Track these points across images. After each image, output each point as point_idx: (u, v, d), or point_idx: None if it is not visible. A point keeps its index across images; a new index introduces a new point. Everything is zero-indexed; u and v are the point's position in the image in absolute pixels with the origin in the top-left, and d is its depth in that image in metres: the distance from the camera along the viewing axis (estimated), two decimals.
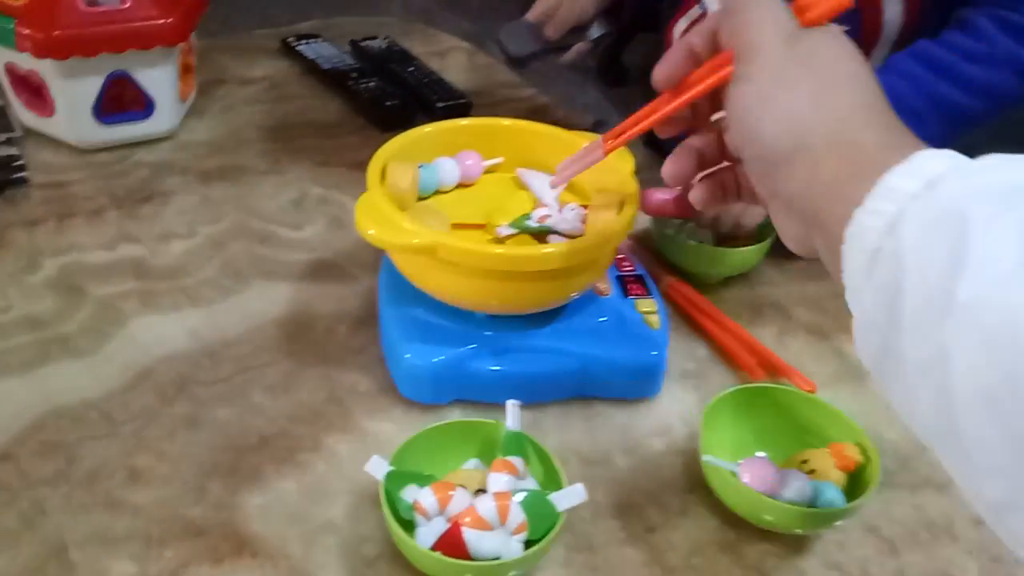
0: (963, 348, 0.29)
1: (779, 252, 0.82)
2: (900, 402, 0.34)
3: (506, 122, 0.70)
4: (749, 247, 0.75)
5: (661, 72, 0.47)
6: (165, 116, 0.89)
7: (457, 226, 0.63)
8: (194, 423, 0.60)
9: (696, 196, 0.49)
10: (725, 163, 0.49)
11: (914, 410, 0.33)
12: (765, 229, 0.76)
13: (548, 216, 0.63)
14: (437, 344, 0.62)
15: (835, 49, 0.40)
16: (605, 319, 0.66)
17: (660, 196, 0.73)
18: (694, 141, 0.48)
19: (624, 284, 0.69)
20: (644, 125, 0.50)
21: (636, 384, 0.65)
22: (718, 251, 0.76)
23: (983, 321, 0.29)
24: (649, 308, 0.66)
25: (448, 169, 0.67)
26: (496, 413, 0.62)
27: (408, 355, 0.61)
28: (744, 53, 0.41)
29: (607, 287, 0.68)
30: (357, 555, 0.53)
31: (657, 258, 0.79)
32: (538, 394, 0.63)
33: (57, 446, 0.57)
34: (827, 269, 0.40)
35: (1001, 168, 0.33)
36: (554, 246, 0.57)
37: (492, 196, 0.67)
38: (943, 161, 0.34)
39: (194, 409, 0.61)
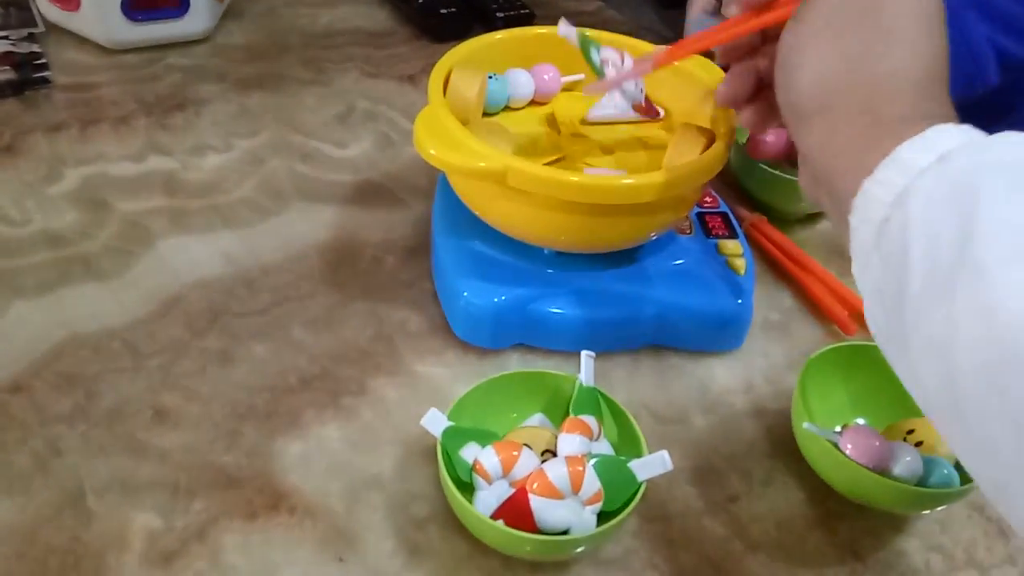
0: (967, 322, 0.29)
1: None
2: (905, 375, 0.33)
3: (590, 32, 0.61)
4: None
5: None
6: (200, 16, 0.81)
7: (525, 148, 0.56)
8: (227, 359, 0.54)
9: (745, 117, 0.47)
10: None
11: (919, 383, 0.32)
12: None
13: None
14: (498, 283, 0.55)
15: (905, 2, 0.37)
16: (684, 261, 0.58)
17: (771, 140, 0.66)
18: (756, 62, 0.46)
19: (706, 223, 0.61)
20: (707, 42, 0.47)
21: (717, 335, 0.58)
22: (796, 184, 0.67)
23: (988, 296, 0.28)
24: (734, 250, 0.59)
25: (522, 82, 0.59)
26: (560, 361, 0.56)
27: (466, 293, 0.54)
28: None
29: (688, 225, 0.61)
30: (406, 515, 0.47)
31: (737, 192, 0.71)
32: (607, 342, 0.57)
33: (75, 379, 0.52)
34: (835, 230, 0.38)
35: (1017, 144, 0.32)
36: (639, 177, 0.50)
37: (570, 123, 0.60)
38: (957, 135, 0.33)
39: (227, 343, 0.55)
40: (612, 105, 0.60)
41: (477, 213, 0.55)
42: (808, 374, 0.51)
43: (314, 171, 0.70)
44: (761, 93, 0.46)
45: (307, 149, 0.72)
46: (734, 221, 0.62)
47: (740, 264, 0.58)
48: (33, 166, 0.66)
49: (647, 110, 0.58)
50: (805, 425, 0.48)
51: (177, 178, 0.67)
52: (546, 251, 0.56)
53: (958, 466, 0.49)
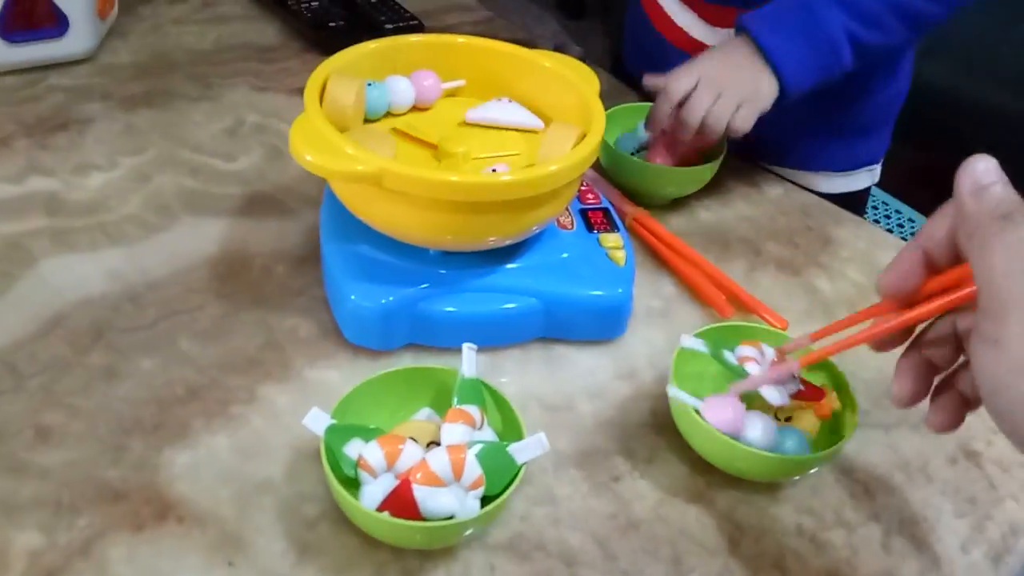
0: None
1: (748, 184, 0.78)
2: None
3: (463, 39, 0.63)
4: (696, 166, 0.71)
5: (889, 281, 0.41)
6: (82, 35, 0.80)
7: (401, 134, 0.57)
8: (112, 375, 0.54)
9: (936, 420, 0.42)
10: (960, 362, 0.42)
11: None
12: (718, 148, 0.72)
13: None
14: (385, 284, 0.56)
15: None
16: (567, 255, 0.60)
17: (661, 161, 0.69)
18: (920, 347, 0.42)
19: (588, 218, 0.64)
20: (858, 339, 0.44)
21: (600, 325, 0.60)
22: (663, 169, 0.71)
23: None
24: (614, 243, 0.62)
25: (402, 89, 0.60)
26: (450, 359, 0.57)
27: (353, 296, 0.55)
28: (993, 305, 0.34)
29: (570, 221, 0.63)
30: (297, 516, 0.48)
31: (619, 189, 0.73)
32: (496, 337, 0.58)
33: None
34: None
35: None
36: (513, 175, 0.52)
37: (449, 123, 0.61)
38: None
39: (112, 359, 0.55)
40: (492, 107, 0.61)
41: (360, 217, 0.56)
42: (684, 355, 0.54)
43: (203, 185, 0.70)
44: (940, 379, 0.42)
45: (195, 164, 0.72)
46: (615, 216, 0.64)
47: (620, 256, 0.61)
48: None
49: (810, 395, 0.53)
50: (670, 390, 0.50)
51: (59, 198, 0.66)
52: (431, 251, 0.58)
53: (820, 432, 0.53)
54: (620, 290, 0.59)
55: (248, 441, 0.51)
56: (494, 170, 0.52)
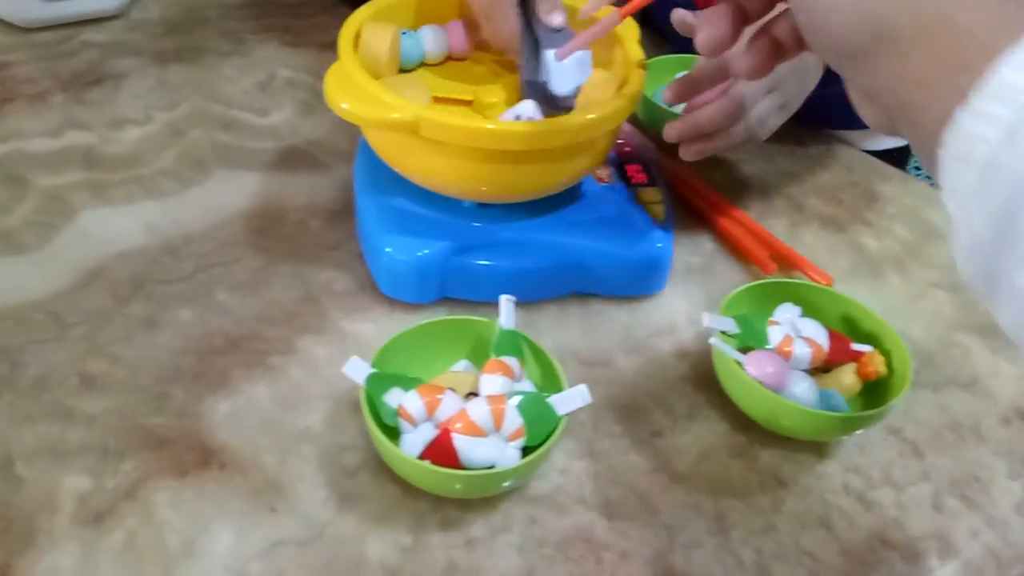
0: None
1: (790, 139, 0.76)
2: (1004, 318, 0.29)
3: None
4: None
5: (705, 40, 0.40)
6: None
7: (439, 100, 0.56)
8: (153, 325, 0.54)
9: (747, 63, 0.41)
10: (777, 10, 0.41)
11: (1020, 329, 0.28)
12: None
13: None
14: (420, 237, 0.56)
15: None
16: (604, 209, 0.60)
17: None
18: None
19: (626, 171, 0.63)
20: None
21: (639, 280, 0.59)
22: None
23: None
24: (653, 198, 0.61)
25: (436, 38, 0.59)
26: (485, 312, 0.57)
27: (389, 249, 0.55)
28: None
29: (608, 174, 0.62)
30: (337, 465, 0.48)
31: (656, 142, 0.72)
32: (532, 291, 0.58)
33: (0, 351, 0.51)
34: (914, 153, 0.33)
35: None
36: (551, 122, 0.51)
37: (483, 75, 0.60)
38: None
39: (152, 310, 0.55)
40: None
41: (394, 168, 0.55)
42: (728, 311, 0.53)
43: (236, 140, 0.69)
44: (754, 20, 0.41)
45: (228, 118, 0.71)
46: (654, 169, 0.63)
47: (659, 210, 0.60)
48: None
49: (849, 354, 0.52)
50: (712, 341, 0.50)
51: (96, 152, 0.67)
52: (466, 204, 0.57)
53: (866, 390, 0.52)
54: (659, 244, 0.58)
55: (287, 391, 0.51)
56: (518, 117, 0.51)
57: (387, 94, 0.49)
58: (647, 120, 0.72)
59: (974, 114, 0.27)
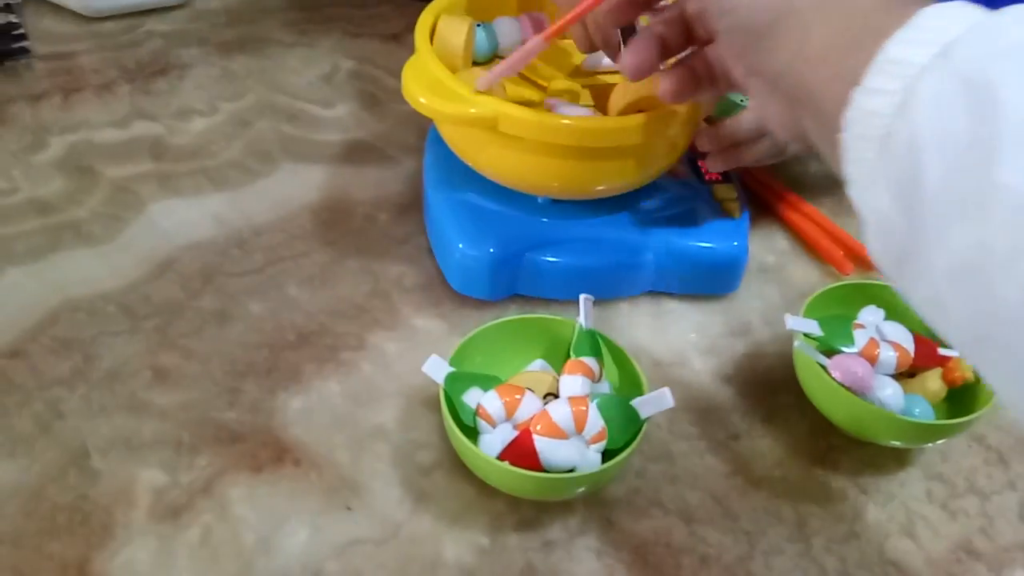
0: (1010, 242, 0.24)
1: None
2: (926, 308, 0.29)
3: None
4: None
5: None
6: None
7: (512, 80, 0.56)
8: (224, 318, 0.54)
9: (665, 87, 0.43)
10: (692, 47, 0.43)
11: (944, 317, 0.28)
12: None
13: None
14: (493, 233, 0.55)
15: None
16: (679, 207, 0.58)
17: None
18: (654, 26, 0.43)
19: (700, 167, 0.61)
20: (581, 10, 0.43)
21: (713, 279, 0.58)
22: None
23: None
24: (728, 195, 0.59)
25: (510, 31, 0.58)
26: (557, 309, 0.56)
27: (461, 245, 0.54)
28: None
29: (683, 170, 0.61)
30: (412, 463, 0.47)
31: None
32: (604, 289, 0.56)
33: (72, 343, 0.51)
34: (823, 156, 0.34)
35: None
36: (631, 119, 0.49)
37: (561, 67, 0.59)
38: (956, 20, 0.28)
39: (223, 303, 0.55)
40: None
41: (468, 163, 0.54)
42: (809, 311, 0.51)
43: (301, 132, 0.69)
44: (675, 54, 0.43)
45: (293, 110, 0.71)
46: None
47: (734, 208, 0.58)
48: (17, 136, 0.65)
49: (934, 358, 0.51)
50: (797, 344, 0.48)
51: (163, 143, 0.66)
52: (540, 200, 0.56)
53: (948, 398, 0.50)
54: (735, 243, 0.57)
55: (359, 387, 0.51)
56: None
57: (465, 89, 0.49)
58: (718, 115, 0.70)
59: (867, 91, 0.28)
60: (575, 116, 0.52)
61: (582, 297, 0.48)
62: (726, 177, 0.60)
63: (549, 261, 0.55)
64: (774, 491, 0.48)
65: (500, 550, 0.44)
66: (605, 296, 0.57)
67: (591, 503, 0.46)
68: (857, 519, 0.47)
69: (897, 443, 0.49)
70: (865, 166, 0.29)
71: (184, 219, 0.60)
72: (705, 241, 0.57)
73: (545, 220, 0.56)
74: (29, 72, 0.72)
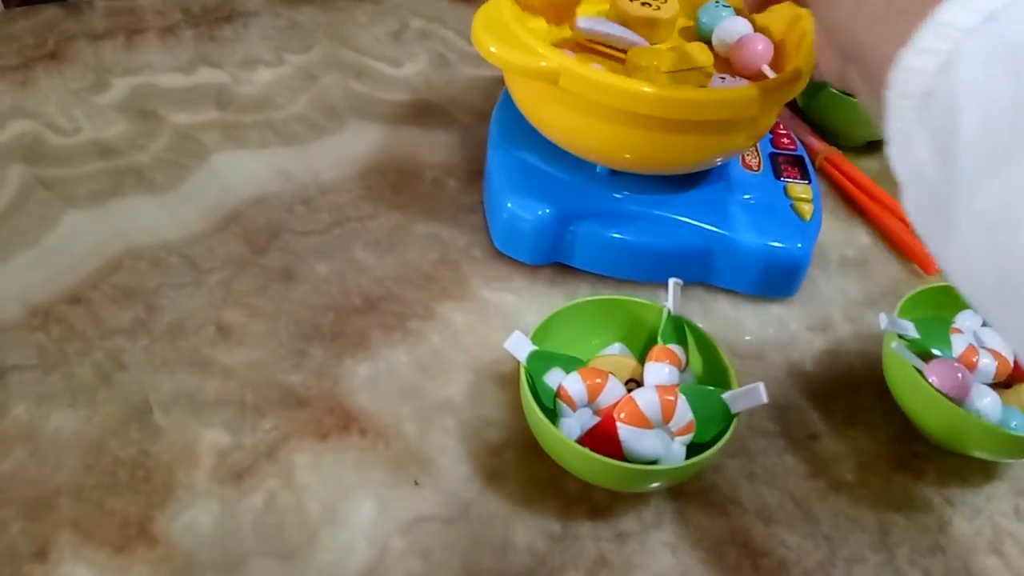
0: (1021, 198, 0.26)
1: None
2: (952, 265, 0.30)
3: None
4: None
5: None
6: None
7: (590, 48, 0.53)
8: (289, 277, 0.52)
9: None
10: None
11: (968, 272, 0.29)
12: None
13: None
14: (545, 196, 0.52)
15: None
16: (746, 198, 0.55)
17: None
18: None
19: (778, 163, 0.58)
20: None
21: (771, 279, 0.54)
22: (861, 105, 0.64)
23: None
24: (802, 194, 0.56)
25: None
26: (630, 290, 0.54)
27: (510, 204, 0.52)
28: None
29: (757, 162, 0.58)
30: (480, 441, 0.45)
31: (809, 125, 0.68)
32: (651, 272, 0.54)
33: (134, 292, 0.50)
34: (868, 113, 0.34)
35: None
36: (707, 91, 0.46)
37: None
38: None
39: (289, 261, 0.53)
40: None
41: (532, 122, 0.52)
42: (902, 312, 0.49)
43: (369, 89, 0.67)
44: None
45: (360, 67, 0.69)
46: (809, 166, 0.58)
47: (807, 209, 0.55)
48: (79, 74, 0.63)
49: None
50: (893, 345, 0.46)
51: (228, 91, 0.64)
52: (599, 169, 0.53)
53: None
54: (799, 244, 0.53)
55: (427, 358, 0.49)
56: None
57: (534, 40, 0.46)
58: (804, 98, 0.68)
59: (914, 51, 0.29)
60: (653, 85, 0.49)
61: (671, 281, 0.46)
62: (804, 176, 0.57)
63: (600, 234, 0.52)
64: (855, 496, 0.46)
65: (572, 538, 0.42)
66: (650, 278, 0.54)
67: (666, 496, 0.45)
68: (942, 532, 0.45)
69: (987, 455, 0.47)
70: (905, 122, 0.30)
71: (249, 172, 0.58)
72: (767, 238, 0.53)
73: (601, 191, 0.53)
74: (91, 10, 0.70)
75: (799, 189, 0.56)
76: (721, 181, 0.56)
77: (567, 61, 0.46)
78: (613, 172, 0.54)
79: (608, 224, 0.53)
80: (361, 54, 0.70)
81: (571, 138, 0.51)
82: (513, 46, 0.46)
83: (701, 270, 0.55)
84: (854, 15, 0.33)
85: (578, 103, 0.47)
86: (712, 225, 0.53)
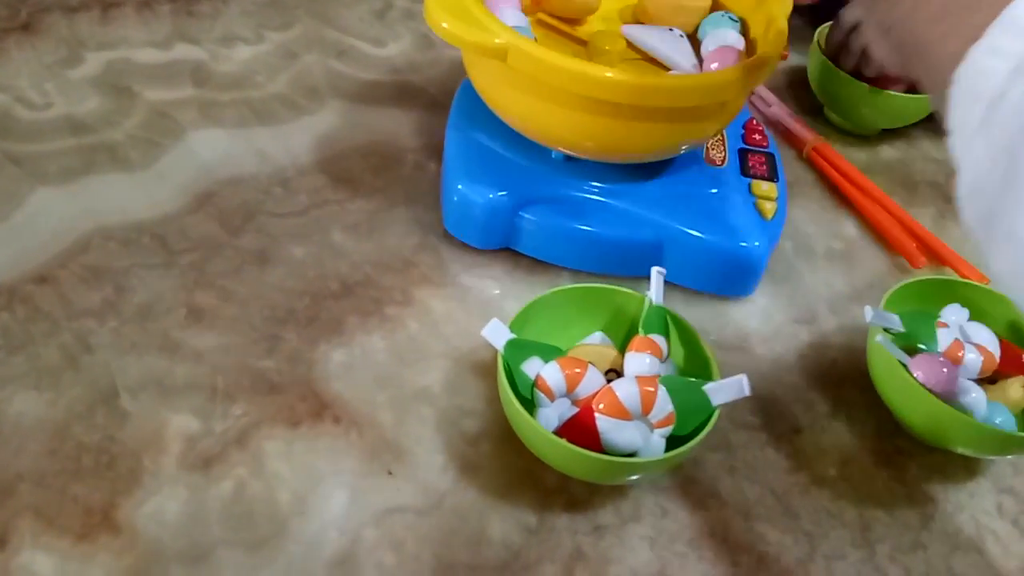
0: None
1: (933, 121, 0.71)
2: (1007, 274, 0.29)
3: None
4: (911, 94, 0.64)
5: None
6: None
7: (550, 27, 0.52)
8: (264, 260, 0.51)
9: None
10: None
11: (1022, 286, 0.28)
12: None
13: None
14: (497, 179, 0.51)
15: None
16: (706, 192, 0.53)
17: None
18: None
19: (745, 159, 0.56)
20: None
21: (725, 277, 0.53)
22: (875, 91, 0.64)
23: None
24: (768, 193, 0.54)
25: None
26: (610, 281, 0.53)
27: (460, 186, 0.51)
28: None
29: (723, 157, 0.56)
30: (456, 430, 0.44)
31: (810, 106, 0.67)
32: (602, 263, 0.53)
33: (103, 272, 0.48)
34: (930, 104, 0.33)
35: None
36: (667, 76, 0.45)
37: (608, 21, 0.55)
38: None
39: (264, 244, 0.51)
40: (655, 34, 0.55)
41: (486, 101, 0.51)
42: (887, 305, 0.48)
43: (351, 69, 0.65)
44: None
45: (343, 46, 0.67)
46: (779, 166, 0.56)
47: (769, 208, 0.53)
48: (52, 47, 0.62)
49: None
50: (878, 338, 0.45)
51: (206, 68, 0.63)
52: (554, 154, 0.52)
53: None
54: (757, 243, 0.51)
55: (404, 345, 0.48)
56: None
57: (487, 16, 0.45)
58: (819, 83, 0.67)
59: (986, 49, 0.28)
60: (618, 70, 0.47)
61: (654, 270, 0.45)
62: (771, 175, 0.55)
63: (548, 221, 0.51)
64: (837, 491, 0.45)
65: (548, 531, 0.41)
66: (601, 270, 0.53)
67: (644, 488, 0.44)
68: (924, 528, 0.44)
69: (971, 452, 0.46)
70: (969, 124, 0.29)
71: (225, 151, 0.57)
72: (723, 234, 0.51)
73: (556, 177, 0.52)
74: None
75: (764, 187, 0.54)
76: (681, 173, 0.54)
77: (517, 39, 0.44)
78: (570, 158, 0.52)
79: (559, 212, 0.51)
80: (344, 33, 0.68)
81: (522, 120, 0.50)
82: (466, 22, 0.45)
83: (654, 264, 0.53)
84: (915, 13, 0.32)
85: (526, 83, 0.46)
86: (666, 218, 0.51)
